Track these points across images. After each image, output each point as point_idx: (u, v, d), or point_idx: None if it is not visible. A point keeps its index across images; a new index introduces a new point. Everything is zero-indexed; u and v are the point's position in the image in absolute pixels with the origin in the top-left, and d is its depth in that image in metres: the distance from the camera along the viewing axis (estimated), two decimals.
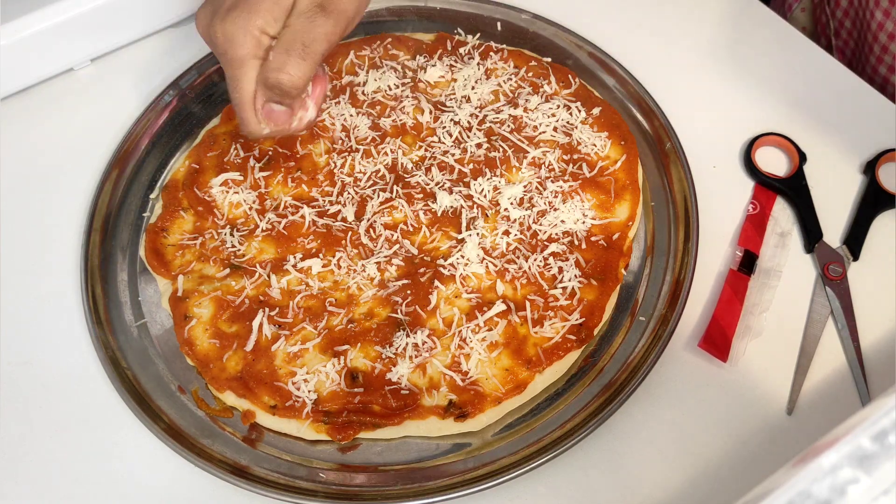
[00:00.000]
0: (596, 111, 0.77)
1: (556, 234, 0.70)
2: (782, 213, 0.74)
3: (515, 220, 0.71)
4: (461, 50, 0.83)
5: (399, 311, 0.66)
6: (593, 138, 0.75)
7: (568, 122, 0.77)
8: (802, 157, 0.77)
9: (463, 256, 0.69)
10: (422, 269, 0.68)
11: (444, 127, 0.77)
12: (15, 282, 0.73)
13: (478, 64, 0.81)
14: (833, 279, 0.69)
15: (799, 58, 0.85)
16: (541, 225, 0.70)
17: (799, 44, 0.86)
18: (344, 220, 0.72)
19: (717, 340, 0.66)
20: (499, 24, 0.87)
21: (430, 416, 0.62)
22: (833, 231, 0.73)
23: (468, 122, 0.77)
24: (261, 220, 0.72)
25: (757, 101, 0.82)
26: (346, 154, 0.76)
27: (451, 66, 0.81)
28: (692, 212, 0.71)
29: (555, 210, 0.71)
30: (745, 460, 0.61)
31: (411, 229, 0.71)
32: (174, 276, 0.70)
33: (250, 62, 0.55)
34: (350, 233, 0.71)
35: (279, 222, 0.72)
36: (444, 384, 0.63)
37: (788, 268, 0.71)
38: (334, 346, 0.65)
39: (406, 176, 0.74)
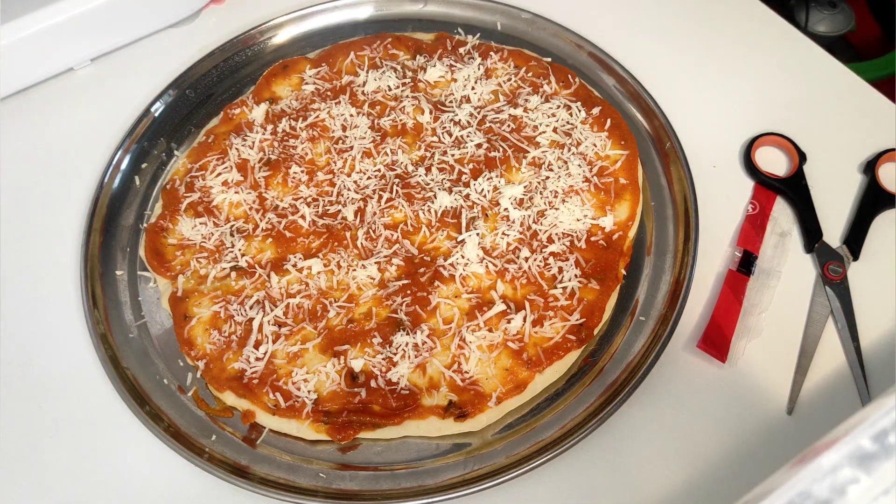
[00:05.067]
0: (596, 111, 0.77)
1: (556, 234, 0.70)
2: (782, 213, 0.74)
3: (515, 220, 0.71)
4: (461, 50, 0.83)
5: (399, 311, 0.66)
6: (593, 138, 0.75)
7: (568, 122, 0.77)
8: (802, 157, 0.77)
9: (463, 256, 0.68)
10: (422, 269, 0.68)
11: (444, 127, 0.77)
12: (15, 281, 0.73)
13: (479, 65, 0.81)
14: (833, 279, 0.69)
15: (799, 58, 0.85)
16: (541, 225, 0.70)
17: (799, 44, 0.86)
18: (344, 219, 0.72)
19: (716, 341, 0.66)
20: (499, 23, 0.87)
21: (429, 415, 0.62)
22: (833, 231, 0.73)
23: (468, 122, 0.77)
24: (261, 220, 0.72)
25: (757, 100, 0.82)
26: (347, 154, 0.76)
27: (451, 66, 0.81)
28: (692, 212, 0.71)
29: (555, 210, 0.71)
30: (745, 460, 0.61)
31: (411, 229, 0.71)
32: (174, 275, 0.70)
33: None
34: (350, 233, 0.71)
35: (279, 222, 0.72)
36: (444, 384, 0.63)
37: (788, 268, 0.71)
38: (334, 345, 0.65)
39: (406, 176, 0.74)
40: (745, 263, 0.70)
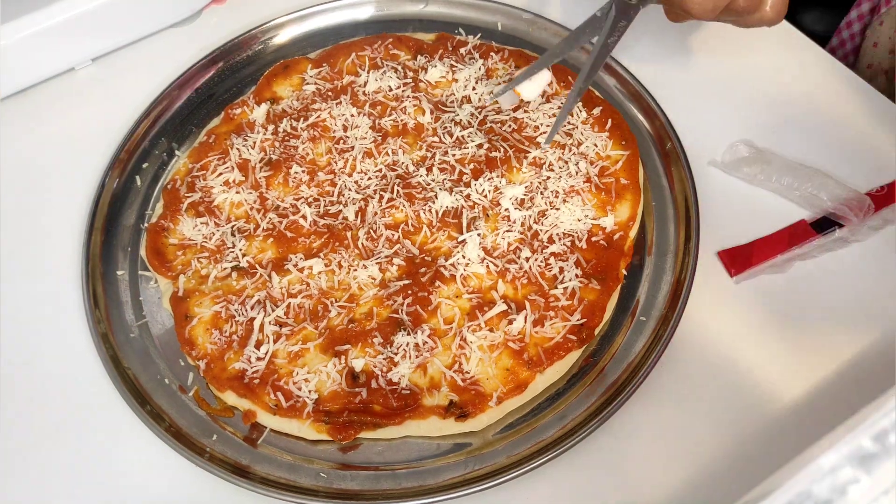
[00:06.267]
0: (597, 111, 0.77)
1: (557, 234, 0.70)
2: None
3: (516, 220, 0.71)
4: (462, 50, 0.83)
5: (400, 311, 0.66)
6: (594, 138, 0.75)
7: (569, 122, 0.77)
8: None
9: (464, 257, 0.69)
10: (423, 269, 0.68)
11: (445, 127, 0.77)
12: (15, 282, 0.73)
13: (480, 65, 0.81)
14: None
15: (799, 57, 0.85)
16: (541, 225, 0.70)
17: (800, 43, 0.86)
18: (345, 219, 0.72)
19: (739, 259, 0.68)
20: (500, 24, 0.87)
21: (430, 415, 0.62)
22: None
23: (469, 123, 0.77)
24: (262, 220, 0.72)
25: (757, 101, 0.82)
26: (348, 154, 0.76)
27: (452, 66, 0.81)
28: (692, 212, 0.71)
29: (555, 210, 0.71)
30: (745, 460, 0.61)
31: (412, 229, 0.71)
32: (175, 275, 0.70)
33: None
34: (351, 233, 0.71)
35: (280, 222, 0.72)
36: (445, 384, 0.63)
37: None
38: (335, 345, 0.65)
39: (407, 176, 0.74)
40: (825, 224, 0.70)
